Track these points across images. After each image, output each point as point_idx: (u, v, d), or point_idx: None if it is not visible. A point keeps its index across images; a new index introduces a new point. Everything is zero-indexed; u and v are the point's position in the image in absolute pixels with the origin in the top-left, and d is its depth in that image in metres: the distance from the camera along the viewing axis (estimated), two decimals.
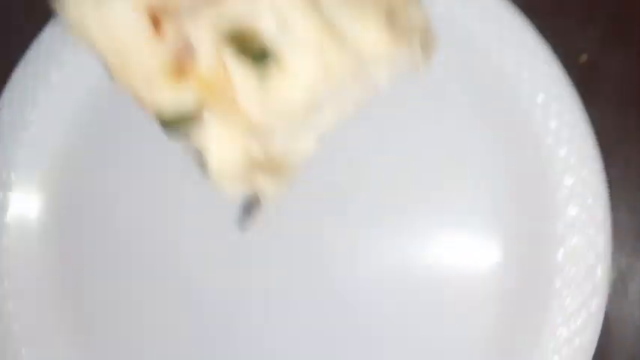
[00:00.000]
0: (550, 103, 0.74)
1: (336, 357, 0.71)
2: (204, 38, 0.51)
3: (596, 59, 0.83)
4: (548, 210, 0.73)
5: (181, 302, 0.73)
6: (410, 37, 0.55)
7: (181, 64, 0.52)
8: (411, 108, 0.72)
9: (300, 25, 0.51)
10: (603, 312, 0.70)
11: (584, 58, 0.83)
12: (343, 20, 0.51)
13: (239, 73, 0.51)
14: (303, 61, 0.52)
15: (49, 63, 0.73)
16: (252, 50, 0.51)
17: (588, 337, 0.69)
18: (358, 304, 0.72)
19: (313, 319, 0.71)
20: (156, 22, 0.52)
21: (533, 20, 0.74)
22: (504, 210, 0.72)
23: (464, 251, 0.72)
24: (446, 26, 0.71)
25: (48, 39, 0.72)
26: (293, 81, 0.52)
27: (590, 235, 0.70)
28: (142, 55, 0.53)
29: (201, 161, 0.56)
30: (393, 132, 0.73)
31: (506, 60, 0.73)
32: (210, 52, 0.52)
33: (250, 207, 0.68)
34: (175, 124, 0.53)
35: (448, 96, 0.73)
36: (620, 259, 0.76)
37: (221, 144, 0.54)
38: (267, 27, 0.51)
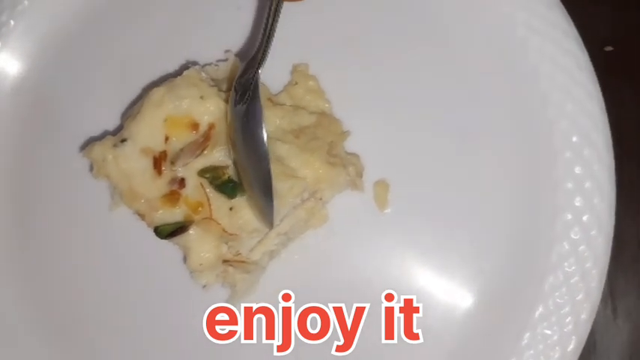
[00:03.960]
0: (570, 87, 0.71)
1: None
2: (191, 176, 0.73)
3: (622, 49, 0.79)
4: (550, 206, 0.74)
5: None
6: (345, 163, 0.78)
7: (173, 193, 0.73)
8: None
9: None
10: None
11: (609, 47, 0.79)
12: (295, 165, 0.75)
13: (215, 199, 0.73)
14: None
15: None
16: (222, 181, 0.73)
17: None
18: None
19: None
20: (157, 164, 0.73)
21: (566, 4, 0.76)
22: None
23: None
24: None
25: None
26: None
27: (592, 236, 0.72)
28: (146, 186, 0.73)
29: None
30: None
31: (533, 36, 0.76)
32: (195, 185, 0.73)
33: None
34: (168, 235, 0.73)
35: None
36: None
37: (200, 247, 0.73)
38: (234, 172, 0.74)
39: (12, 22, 0.84)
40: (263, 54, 0.74)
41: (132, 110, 0.76)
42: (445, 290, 0.75)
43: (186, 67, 0.80)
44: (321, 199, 0.77)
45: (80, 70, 0.85)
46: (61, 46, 0.85)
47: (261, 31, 0.75)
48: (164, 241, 0.74)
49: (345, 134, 0.80)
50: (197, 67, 0.77)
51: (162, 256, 0.79)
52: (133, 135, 0.73)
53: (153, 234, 0.74)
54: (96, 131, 0.83)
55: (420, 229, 0.77)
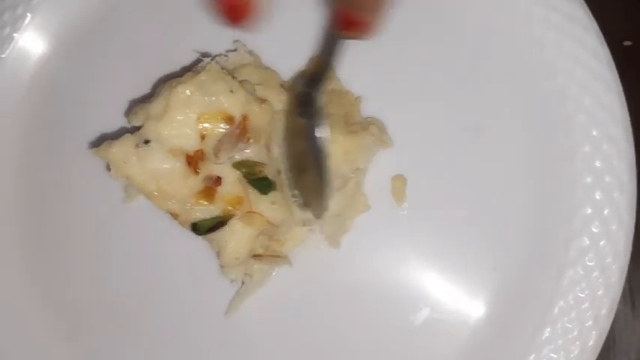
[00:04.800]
0: (589, 80, 0.70)
1: None
2: (228, 172, 0.72)
3: None
4: (570, 200, 0.74)
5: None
6: (365, 126, 0.78)
7: (208, 190, 0.72)
8: None
9: None
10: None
11: (628, 42, 0.79)
12: None
13: (253, 194, 0.73)
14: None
15: None
16: (258, 177, 0.73)
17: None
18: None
19: None
20: (193, 163, 0.71)
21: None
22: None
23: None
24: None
25: None
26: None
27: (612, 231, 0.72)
28: (176, 185, 0.72)
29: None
30: None
31: (550, 30, 0.75)
32: (232, 180, 0.72)
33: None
34: (207, 232, 0.72)
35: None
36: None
37: (237, 240, 0.72)
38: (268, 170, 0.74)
39: (28, 15, 0.85)
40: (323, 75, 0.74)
41: (150, 108, 0.73)
42: (463, 284, 0.75)
43: (197, 59, 0.80)
44: (358, 169, 0.76)
45: (90, 64, 0.84)
46: (74, 39, 0.85)
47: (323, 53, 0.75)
48: (180, 235, 0.74)
49: (358, 100, 0.79)
50: (210, 59, 0.75)
51: (179, 250, 0.78)
52: (161, 136, 0.71)
53: (168, 227, 0.74)
54: (105, 127, 0.82)
55: (436, 224, 0.76)
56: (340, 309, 0.77)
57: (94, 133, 0.83)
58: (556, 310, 0.71)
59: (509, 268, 0.74)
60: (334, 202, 0.75)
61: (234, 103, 0.71)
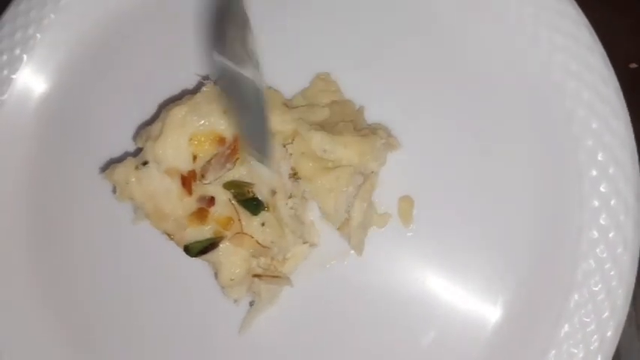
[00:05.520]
0: (594, 102, 0.71)
1: None
2: (219, 192, 0.73)
3: None
4: (576, 223, 0.74)
5: None
6: (373, 129, 0.80)
7: (201, 211, 0.73)
8: None
9: None
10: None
11: (634, 64, 0.79)
12: (332, 152, 0.76)
13: (244, 215, 0.74)
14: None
15: None
16: (247, 198, 0.74)
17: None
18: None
19: None
20: (186, 183, 0.73)
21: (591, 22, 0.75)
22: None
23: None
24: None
25: None
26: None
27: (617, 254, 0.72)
28: (172, 205, 0.74)
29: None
30: None
31: (557, 53, 0.76)
32: (223, 201, 0.74)
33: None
34: (199, 253, 0.74)
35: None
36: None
37: (230, 262, 0.74)
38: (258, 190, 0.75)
39: (38, 36, 0.86)
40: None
41: (150, 130, 0.76)
42: (469, 307, 0.75)
43: (199, 82, 0.82)
44: (372, 172, 0.77)
45: (97, 88, 0.86)
46: (82, 62, 0.87)
47: None
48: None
49: (361, 109, 0.81)
50: (210, 81, 0.77)
51: (188, 268, 0.79)
52: (157, 156, 0.73)
53: (176, 246, 0.74)
54: (115, 151, 0.84)
55: (443, 245, 0.77)
56: (348, 325, 0.77)
57: (104, 158, 0.84)
58: (562, 334, 0.72)
59: (517, 290, 0.75)
60: (356, 212, 0.75)
61: (226, 124, 0.73)
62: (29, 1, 0.86)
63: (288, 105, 0.80)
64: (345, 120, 0.79)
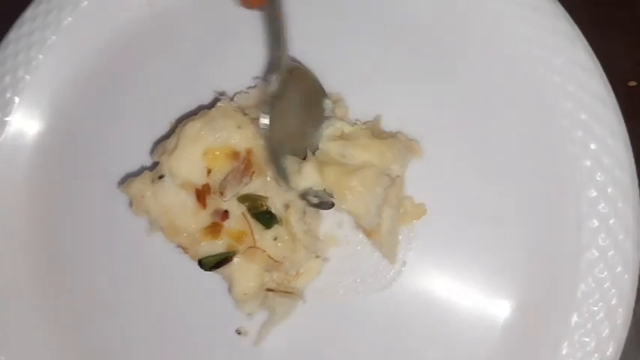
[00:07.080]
0: (592, 123, 0.71)
1: None
2: (233, 206, 0.75)
3: None
4: (575, 243, 0.75)
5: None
6: (392, 134, 0.81)
7: (215, 225, 0.75)
8: None
9: None
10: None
11: (633, 82, 0.79)
12: (355, 156, 0.77)
13: (257, 228, 0.75)
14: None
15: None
16: (260, 211, 0.75)
17: None
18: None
19: None
20: (200, 197, 0.75)
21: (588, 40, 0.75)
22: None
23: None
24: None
25: None
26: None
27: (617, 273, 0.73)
28: (187, 219, 0.75)
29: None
30: None
31: (553, 72, 0.76)
32: (237, 215, 0.75)
33: None
34: (212, 267, 0.75)
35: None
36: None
37: (244, 276, 0.75)
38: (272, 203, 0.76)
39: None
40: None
41: (166, 145, 0.77)
42: (466, 335, 0.76)
43: (215, 97, 0.83)
44: (398, 176, 0.78)
45: (111, 108, 0.87)
46: (87, 89, 0.88)
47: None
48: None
49: (378, 117, 0.81)
50: (226, 97, 0.79)
51: (203, 280, 0.79)
52: (172, 170, 0.75)
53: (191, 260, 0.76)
54: (132, 166, 0.85)
55: (448, 258, 0.78)
56: (361, 341, 0.79)
57: (122, 173, 0.85)
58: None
59: (516, 314, 0.76)
60: (385, 218, 0.76)
61: (240, 139, 0.75)
62: None
63: None
64: (362, 126, 0.80)
